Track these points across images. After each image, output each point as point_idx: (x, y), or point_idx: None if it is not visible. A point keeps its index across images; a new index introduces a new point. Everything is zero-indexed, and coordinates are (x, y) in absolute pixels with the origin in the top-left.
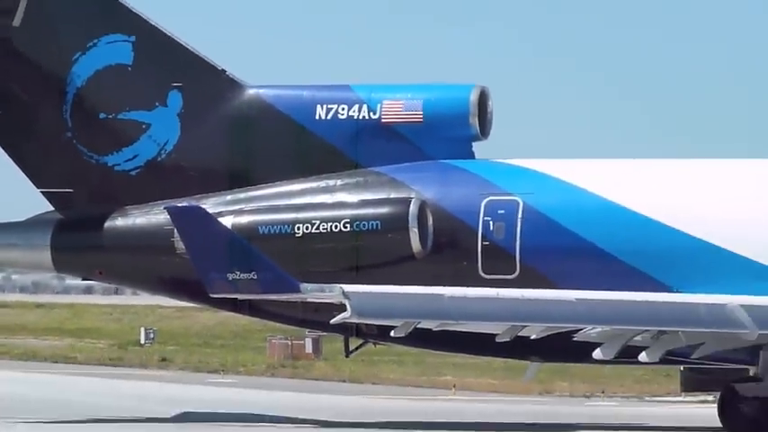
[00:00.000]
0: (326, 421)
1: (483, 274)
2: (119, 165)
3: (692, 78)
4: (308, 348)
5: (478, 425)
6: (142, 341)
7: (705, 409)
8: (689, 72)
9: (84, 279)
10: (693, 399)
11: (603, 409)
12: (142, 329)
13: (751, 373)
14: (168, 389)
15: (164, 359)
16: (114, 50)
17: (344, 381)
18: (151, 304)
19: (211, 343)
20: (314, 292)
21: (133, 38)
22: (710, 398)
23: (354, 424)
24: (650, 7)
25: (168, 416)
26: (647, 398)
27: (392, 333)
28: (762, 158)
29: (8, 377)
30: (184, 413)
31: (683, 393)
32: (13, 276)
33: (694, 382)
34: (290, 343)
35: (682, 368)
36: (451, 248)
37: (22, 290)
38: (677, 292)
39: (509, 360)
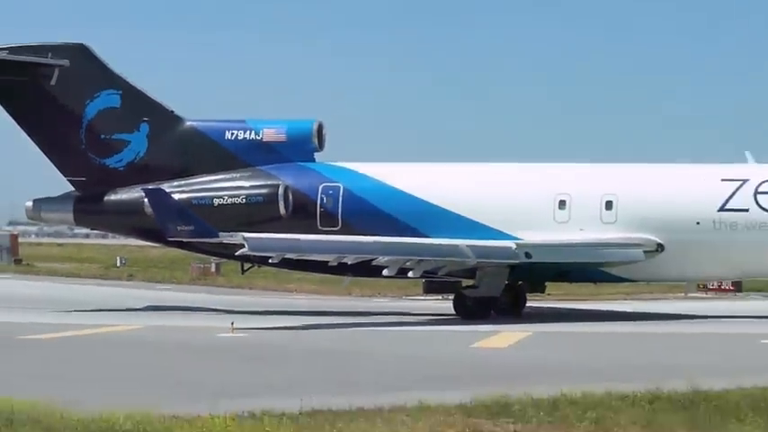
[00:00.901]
0: (224, 309)
1: (320, 227)
2: (112, 165)
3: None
4: (213, 269)
5: (312, 312)
6: (118, 264)
7: (442, 303)
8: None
9: (91, 229)
10: (432, 298)
11: (383, 303)
12: (118, 258)
13: (471, 284)
14: (135, 292)
15: (131, 275)
16: (109, 99)
17: (234, 287)
18: (124, 244)
19: (158, 266)
20: (226, 237)
21: (120, 92)
22: (445, 297)
23: (242, 312)
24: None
25: (138, 307)
26: (404, 297)
27: (270, 260)
28: (497, 162)
29: (40, 285)
30: (148, 305)
31: (425, 294)
32: (45, 228)
33: (433, 287)
34: (202, 266)
35: (423, 279)
36: (302, 213)
37: (48, 235)
38: (431, 237)
39: (334, 276)
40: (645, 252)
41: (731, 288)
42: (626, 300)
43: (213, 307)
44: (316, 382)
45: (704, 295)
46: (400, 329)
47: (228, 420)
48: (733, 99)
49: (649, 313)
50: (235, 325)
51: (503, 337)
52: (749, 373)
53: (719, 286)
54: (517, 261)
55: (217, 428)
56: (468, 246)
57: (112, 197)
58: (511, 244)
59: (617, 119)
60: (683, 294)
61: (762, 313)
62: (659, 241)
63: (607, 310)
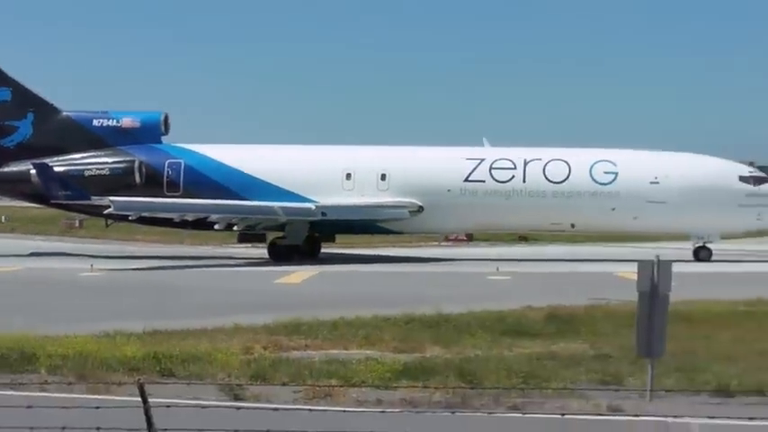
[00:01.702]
0: (88, 255)
1: (167, 193)
2: (5, 144)
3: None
4: (77, 224)
5: (155, 256)
6: (3, 221)
7: (258, 250)
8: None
9: None
10: (244, 246)
11: (210, 250)
12: (3, 216)
13: (281, 235)
14: (19, 242)
15: (13, 229)
16: (3, 94)
17: (93, 237)
18: (9, 205)
19: (36, 221)
20: (96, 200)
21: (11, 88)
22: (254, 245)
23: (101, 257)
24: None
25: (25, 253)
26: (224, 245)
27: (129, 218)
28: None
29: None
30: (31, 252)
31: (239, 243)
32: None
33: (245, 238)
34: (69, 222)
35: (236, 230)
36: (152, 182)
37: None
38: (252, 200)
39: (179, 229)
40: (410, 212)
41: (464, 238)
42: (393, 247)
43: (79, 253)
44: (155, 309)
45: (446, 244)
46: (223, 270)
47: (88, 338)
48: (474, 96)
49: (409, 257)
50: (94, 266)
51: (298, 275)
52: (478, 300)
53: (456, 237)
54: (316, 218)
55: (79, 345)
56: (279, 207)
57: (7, 169)
58: (311, 205)
59: (389, 110)
60: (436, 243)
61: (487, 256)
62: (420, 204)
63: (378, 255)
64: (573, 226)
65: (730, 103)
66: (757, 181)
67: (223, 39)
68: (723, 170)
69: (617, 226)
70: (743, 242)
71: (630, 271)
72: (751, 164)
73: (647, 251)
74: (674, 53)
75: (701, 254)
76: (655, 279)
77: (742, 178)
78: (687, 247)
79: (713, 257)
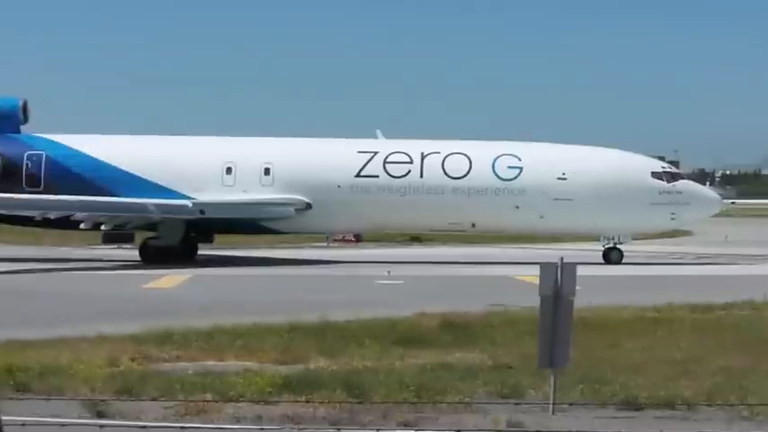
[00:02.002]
0: None
1: (26, 188)
2: None
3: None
4: None
5: (7, 259)
6: None
7: (126, 251)
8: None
9: None
10: (114, 247)
11: (73, 251)
12: None
13: (154, 235)
14: None
15: None
16: None
17: None
18: None
19: None
20: None
21: None
22: (121, 246)
23: None
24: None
25: None
26: (88, 246)
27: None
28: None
29: None
30: None
31: (103, 244)
32: None
33: (110, 238)
34: None
35: (103, 229)
36: (10, 176)
37: None
38: (121, 196)
39: (39, 228)
40: (296, 209)
41: (352, 239)
42: (276, 248)
43: None
44: (9, 317)
45: (333, 245)
46: (87, 273)
47: None
48: (367, 83)
49: (293, 259)
50: None
51: (171, 278)
52: (367, 306)
53: (343, 237)
54: (192, 216)
55: None
56: (152, 204)
57: None
58: (187, 202)
59: (275, 99)
60: (324, 244)
61: (377, 258)
62: (308, 201)
63: (260, 257)
64: (474, 225)
65: (643, 95)
66: (671, 177)
67: (96, 29)
68: (635, 166)
69: (521, 225)
70: (656, 242)
71: (532, 274)
72: (661, 159)
73: (553, 253)
74: (584, 40)
75: (612, 256)
76: (558, 283)
77: (655, 174)
78: (597, 249)
79: (624, 259)
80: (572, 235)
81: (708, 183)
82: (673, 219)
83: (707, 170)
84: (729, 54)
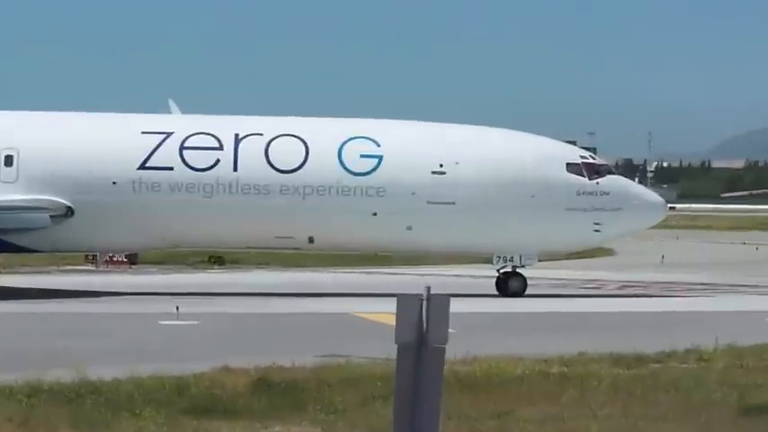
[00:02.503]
0: None
1: None
2: None
3: None
4: None
5: None
6: None
7: None
8: None
9: None
10: None
11: None
12: None
13: None
14: None
15: None
16: None
17: None
18: None
19: None
20: None
21: None
22: None
23: None
24: None
25: None
26: None
27: None
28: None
29: None
30: None
31: None
32: None
33: None
34: None
35: None
36: None
37: None
38: None
39: None
40: (52, 217)
41: (125, 260)
42: (20, 273)
43: None
44: None
45: (104, 268)
46: None
47: None
48: (153, 34)
49: (44, 289)
50: None
51: None
52: (145, 357)
53: (112, 258)
54: None
55: None
56: None
57: None
58: None
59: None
60: (90, 266)
61: (160, 289)
62: (69, 204)
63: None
64: (311, 240)
65: (545, 62)
66: (594, 171)
67: None
68: (542, 154)
69: (381, 240)
70: (566, 265)
71: (385, 311)
72: (572, 144)
73: (422, 279)
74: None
75: (511, 284)
76: (423, 324)
77: (571, 167)
78: (488, 275)
79: (527, 289)
80: (453, 254)
81: (636, 178)
82: (597, 231)
83: (635, 161)
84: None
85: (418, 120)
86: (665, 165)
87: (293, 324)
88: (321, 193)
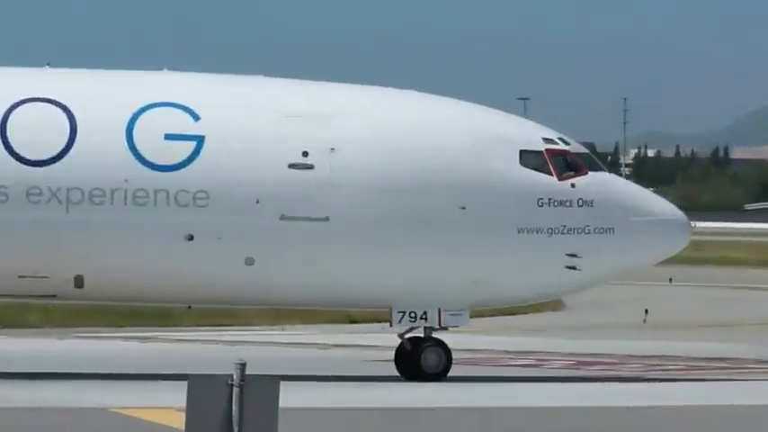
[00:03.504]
0: None
1: None
2: None
3: None
4: None
5: None
6: None
7: None
8: None
9: None
10: None
11: None
12: None
13: None
14: None
15: None
16: None
17: None
18: None
19: None
20: None
21: None
22: None
23: None
24: None
25: None
26: None
27: None
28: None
29: None
30: None
31: None
32: None
33: None
34: None
35: None
36: None
37: None
38: None
39: None
40: None
41: None
42: None
43: None
44: None
45: None
46: None
47: None
48: None
49: None
50: None
51: None
52: None
53: None
54: None
55: None
56: None
57: None
58: None
59: None
60: None
61: None
62: None
63: None
64: (79, 283)
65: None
66: (567, 165)
67: None
68: (482, 135)
69: (200, 283)
70: (484, 326)
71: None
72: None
73: (246, 351)
74: None
75: (425, 358)
76: (232, 425)
77: (529, 156)
78: (381, 343)
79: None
80: (322, 304)
81: None
82: (571, 268)
83: (599, 147)
84: None
85: (263, 74)
86: (650, 153)
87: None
88: (97, 200)
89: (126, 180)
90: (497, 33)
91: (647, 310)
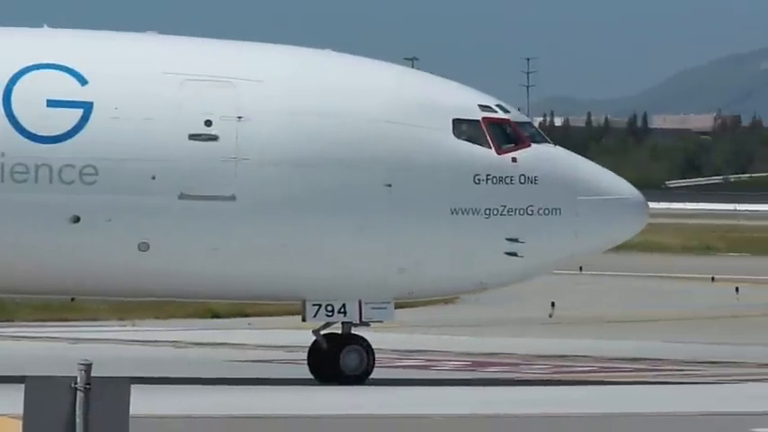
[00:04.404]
0: None
1: None
2: None
3: None
4: None
5: None
6: None
7: None
8: None
9: None
10: None
11: None
12: None
13: None
14: None
15: None
16: None
17: None
18: None
19: None
20: None
21: None
22: None
23: None
24: None
25: None
26: None
27: None
28: None
29: None
30: None
31: None
32: None
33: None
34: None
35: None
36: None
37: None
38: None
39: None
40: None
41: None
42: None
43: None
44: None
45: None
46: None
47: None
48: None
49: None
50: None
51: None
52: None
53: None
54: None
55: None
56: None
57: None
58: None
59: None
60: None
61: None
62: None
63: None
64: None
65: None
66: (506, 135)
67: None
68: (410, 99)
69: (86, 271)
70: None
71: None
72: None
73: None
74: None
75: (345, 358)
76: (63, 428)
77: (464, 126)
78: (289, 342)
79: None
80: (224, 295)
81: None
82: (512, 254)
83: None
84: None
85: (157, 31)
86: (557, 121)
87: None
88: None
89: (3, 153)
90: None
91: (553, 304)
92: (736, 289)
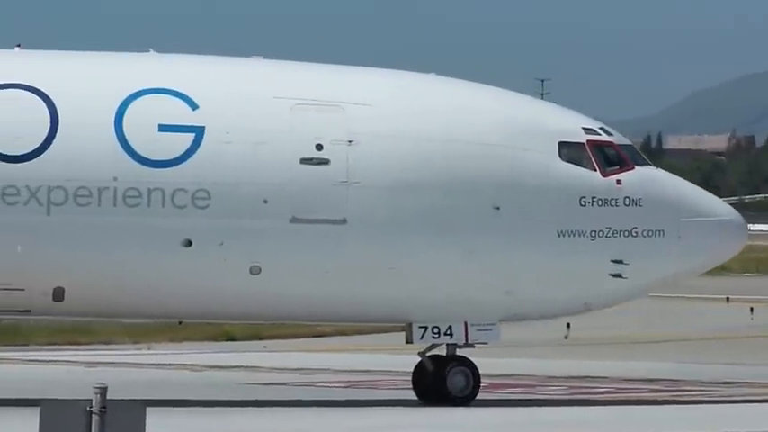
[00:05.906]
0: None
1: None
2: None
3: None
4: None
5: None
6: None
7: None
8: None
9: None
10: None
11: None
12: None
13: None
14: None
15: None
16: None
17: None
18: None
19: None
20: None
21: None
22: None
23: None
24: None
25: None
26: None
27: None
28: None
29: None
30: None
31: None
32: None
33: None
34: None
35: None
36: None
37: None
38: None
39: None
40: None
41: None
42: None
43: None
44: None
45: None
46: None
47: None
48: None
49: None
50: None
51: None
52: None
53: None
54: None
55: None
56: None
57: None
58: None
59: None
60: None
61: None
62: None
63: None
64: (59, 296)
65: None
66: (609, 159)
67: None
68: (518, 124)
69: (198, 294)
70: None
71: None
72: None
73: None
74: None
75: (451, 379)
76: None
77: (569, 149)
78: (388, 366)
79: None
80: (335, 318)
81: None
82: (617, 276)
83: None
84: None
85: (264, 56)
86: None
87: None
88: (82, 200)
89: (115, 177)
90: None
91: (569, 325)
92: (751, 309)
